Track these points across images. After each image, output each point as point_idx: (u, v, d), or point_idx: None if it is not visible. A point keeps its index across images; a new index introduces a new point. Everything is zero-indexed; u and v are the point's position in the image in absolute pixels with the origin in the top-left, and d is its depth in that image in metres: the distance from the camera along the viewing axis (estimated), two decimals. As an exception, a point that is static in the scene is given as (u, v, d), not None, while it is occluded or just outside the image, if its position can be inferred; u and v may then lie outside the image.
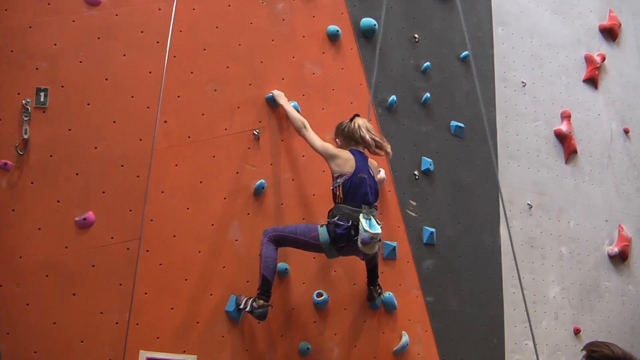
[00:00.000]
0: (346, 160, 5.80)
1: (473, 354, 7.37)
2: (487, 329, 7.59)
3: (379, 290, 6.56)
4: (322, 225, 5.75)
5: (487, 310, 7.63)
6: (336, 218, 5.67)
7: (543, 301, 8.26)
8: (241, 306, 5.79)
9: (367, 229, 5.49)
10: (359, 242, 5.53)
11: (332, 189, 5.85)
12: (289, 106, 6.32)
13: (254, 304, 5.66)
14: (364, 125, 5.94)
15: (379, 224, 5.67)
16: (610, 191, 9.46)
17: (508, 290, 7.73)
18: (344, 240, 5.63)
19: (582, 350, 3.98)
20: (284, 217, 6.35)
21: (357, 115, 6.06)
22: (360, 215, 5.59)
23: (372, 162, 6.04)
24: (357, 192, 5.73)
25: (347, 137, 5.98)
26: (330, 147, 5.90)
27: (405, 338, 6.79)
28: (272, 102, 6.41)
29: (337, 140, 6.11)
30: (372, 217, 5.65)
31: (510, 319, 7.72)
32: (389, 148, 6.00)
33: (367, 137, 5.89)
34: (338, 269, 6.51)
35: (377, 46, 7.12)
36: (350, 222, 5.60)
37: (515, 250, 7.77)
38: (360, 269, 6.54)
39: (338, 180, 5.78)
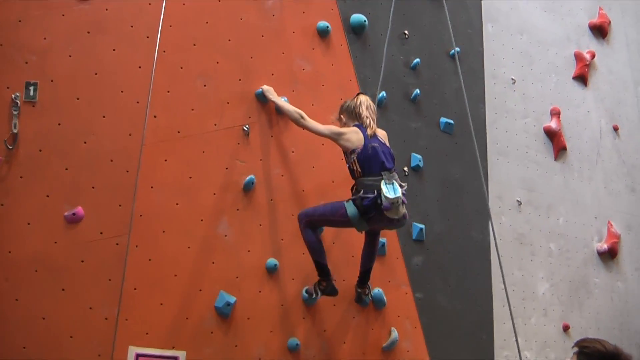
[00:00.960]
0: (354, 134, 5.89)
1: (462, 350, 7.38)
2: (476, 325, 7.61)
3: (368, 291, 6.50)
4: (347, 201, 5.83)
5: (476, 306, 7.65)
6: (361, 192, 5.75)
7: (532, 298, 8.28)
8: (313, 295, 6.22)
9: (387, 195, 5.58)
10: (385, 203, 5.60)
11: (348, 166, 5.93)
12: (280, 101, 6.34)
13: (320, 287, 6.05)
14: (365, 103, 6.05)
15: (401, 186, 5.76)
16: (599, 188, 9.49)
17: (497, 286, 7.74)
18: (372, 210, 5.70)
19: (573, 347, 3.98)
20: (274, 212, 6.35)
21: (361, 92, 6.21)
22: (382, 183, 5.67)
23: (380, 131, 6.10)
24: (373, 162, 5.81)
25: (350, 113, 6.09)
26: (334, 127, 6.01)
27: (394, 334, 6.79)
28: (262, 98, 6.40)
29: (341, 116, 6.18)
30: (393, 181, 5.72)
31: (499, 315, 7.74)
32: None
33: (364, 113, 5.98)
34: (328, 265, 6.50)
35: (387, 40, 7.12)
36: (376, 192, 5.68)
37: (505, 246, 7.82)
38: (349, 264, 6.56)
39: (352, 156, 5.86)
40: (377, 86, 7.14)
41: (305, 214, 6.03)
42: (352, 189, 5.92)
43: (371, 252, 6.34)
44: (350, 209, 5.76)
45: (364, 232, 6.14)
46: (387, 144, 6.06)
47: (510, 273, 7.96)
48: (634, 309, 9.45)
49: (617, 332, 9.11)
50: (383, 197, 5.59)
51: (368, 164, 5.80)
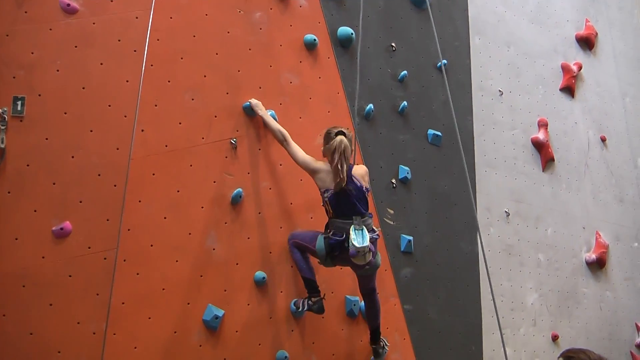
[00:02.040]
0: (327, 174, 5.84)
1: (451, 361, 7.40)
2: (465, 336, 7.62)
3: (383, 344, 6.59)
4: (321, 234, 5.93)
5: (465, 317, 7.65)
6: (331, 233, 5.84)
7: (521, 308, 8.30)
8: (299, 309, 6.16)
9: (354, 242, 5.58)
10: (352, 250, 5.62)
11: (323, 205, 5.93)
12: (267, 116, 6.37)
13: (309, 302, 6.06)
14: (340, 148, 5.69)
15: (375, 231, 5.81)
16: (587, 199, 9.53)
17: (486, 297, 7.75)
18: (336, 250, 5.79)
19: (558, 357, 4.00)
20: (262, 226, 6.35)
21: (340, 132, 5.82)
22: (351, 228, 5.68)
23: (359, 168, 6.00)
24: (344, 206, 5.79)
25: (326, 151, 5.88)
26: (310, 162, 5.95)
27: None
28: (250, 111, 6.42)
29: (324, 145, 5.93)
30: (364, 227, 5.70)
31: (488, 326, 7.75)
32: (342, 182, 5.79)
33: (335, 160, 5.71)
34: (316, 278, 6.50)
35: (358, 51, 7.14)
36: (344, 235, 5.72)
37: (493, 257, 7.83)
38: (337, 277, 6.59)
39: (325, 196, 5.84)
40: (364, 99, 7.17)
41: (292, 236, 6.25)
42: (325, 226, 5.97)
43: (373, 311, 6.45)
44: (319, 244, 5.88)
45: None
46: (365, 183, 5.92)
47: (499, 284, 7.98)
48: (623, 319, 9.48)
49: (607, 341, 9.13)
50: (350, 244, 5.61)
51: (339, 207, 5.81)
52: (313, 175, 5.91)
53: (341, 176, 5.70)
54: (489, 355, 7.71)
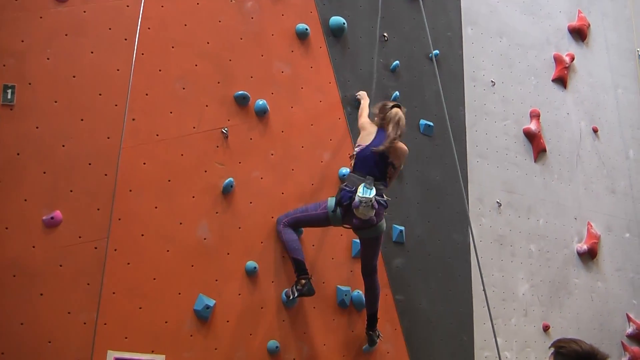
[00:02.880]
0: (368, 134, 6.32)
1: (443, 352, 7.39)
2: (457, 326, 7.62)
3: (378, 333, 6.66)
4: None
5: (456, 307, 7.66)
6: (344, 184, 6.18)
7: (512, 298, 8.31)
8: (290, 297, 6.19)
9: (360, 193, 5.92)
10: (355, 202, 5.93)
11: (349, 158, 6.42)
12: (363, 109, 6.79)
13: (298, 287, 6.10)
14: (395, 119, 6.23)
15: (383, 197, 6.09)
16: (579, 189, 9.53)
17: (477, 287, 7.75)
18: (345, 199, 6.05)
19: (550, 347, 4.00)
20: (253, 215, 6.34)
21: (398, 106, 6.36)
22: (361, 184, 6.00)
23: (401, 147, 6.29)
24: (364, 164, 6.17)
25: (382, 118, 6.34)
26: (362, 122, 6.52)
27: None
28: (241, 101, 6.40)
29: (378, 113, 6.42)
30: (373, 187, 6.00)
31: (479, 316, 7.75)
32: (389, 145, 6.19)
33: (389, 128, 6.19)
34: (307, 268, 6.51)
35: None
36: (354, 188, 6.03)
37: (485, 248, 7.84)
38: (329, 266, 6.60)
39: (355, 150, 6.30)
40: (356, 89, 7.17)
41: (286, 215, 6.33)
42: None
43: (372, 295, 6.54)
44: (330, 200, 6.19)
45: (362, 276, 6.50)
46: (397, 160, 6.30)
47: (490, 274, 7.98)
48: (614, 309, 9.50)
49: (598, 332, 9.15)
50: (356, 196, 5.86)
51: (360, 163, 6.18)
52: (360, 131, 6.42)
53: (386, 144, 6.13)
54: (480, 345, 7.72)
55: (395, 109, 6.28)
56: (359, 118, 6.64)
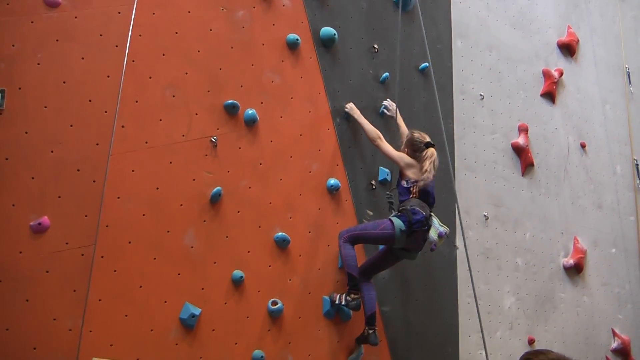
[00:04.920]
0: (418, 168, 6.55)
1: (427, 363, 7.41)
2: (442, 338, 7.64)
3: (374, 330, 6.63)
4: (393, 216, 6.40)
5: (442, 319, 7.68)
6: (410, 207, 6.38)
7: (498, 311, 8.33)
8: (336, 302, 6.53)
9: (439, 227, 6.42)
10: (432, 235, 6.37)
11: (406, 187, 6.56)
12: (362, 118, 7.03)
13: (348, 297, 6.42)
14: (431, 158, 6.52)
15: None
16: (566, 204, 9.58)
17: (463, 300, 7.79)
18: (418, 225, 6.31)
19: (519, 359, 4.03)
20: (240, 224, 6.34)
21: (431, 144, 6.62)
22: (433, 216, 6.45)
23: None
24: (426, 195, 6.52)
25: (414, 153, 6.65)
26: (406, 157, 6.66)
27: (359, 347, 6.79)
28: (231, 110, 6.40)
29: (406, 149, 6.74)
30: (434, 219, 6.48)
31: (465, 328, 7.78)
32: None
33: (426, 166, 6.48)
34: (293, 278, 6.52)
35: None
36: (425, 215, 6.35)
37: (471, 260, 7.83)
38: (316, 277, 6.62)
39: (414, 182, 6.53)
40: (346, 100, 7.18)
41: (347, 231, 6.50)
42: (398, 207, 6.51)
43: (373, 296, 6.63)
44: (397, 221, 6.30)
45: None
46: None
47: (476, 287, 7.98)
48: (600, 324, 9.55)
49: (583, 346, 9.19)
50: (438, 225, 6.43)
51: (423, 194, 6.50)
52: (408, 168, 6.58)
53: (426, 181, 6.46)
54: (464, 357, 7.74)
55: (432, 150, 6.54)
56: (384, 147, 6.76)
